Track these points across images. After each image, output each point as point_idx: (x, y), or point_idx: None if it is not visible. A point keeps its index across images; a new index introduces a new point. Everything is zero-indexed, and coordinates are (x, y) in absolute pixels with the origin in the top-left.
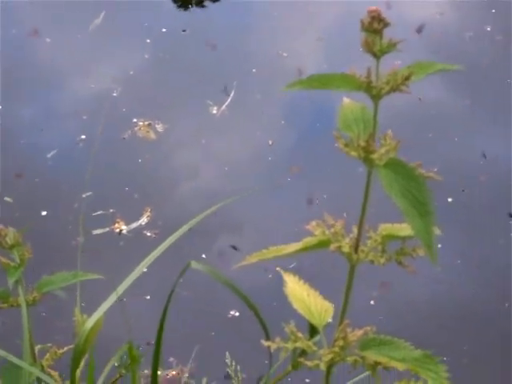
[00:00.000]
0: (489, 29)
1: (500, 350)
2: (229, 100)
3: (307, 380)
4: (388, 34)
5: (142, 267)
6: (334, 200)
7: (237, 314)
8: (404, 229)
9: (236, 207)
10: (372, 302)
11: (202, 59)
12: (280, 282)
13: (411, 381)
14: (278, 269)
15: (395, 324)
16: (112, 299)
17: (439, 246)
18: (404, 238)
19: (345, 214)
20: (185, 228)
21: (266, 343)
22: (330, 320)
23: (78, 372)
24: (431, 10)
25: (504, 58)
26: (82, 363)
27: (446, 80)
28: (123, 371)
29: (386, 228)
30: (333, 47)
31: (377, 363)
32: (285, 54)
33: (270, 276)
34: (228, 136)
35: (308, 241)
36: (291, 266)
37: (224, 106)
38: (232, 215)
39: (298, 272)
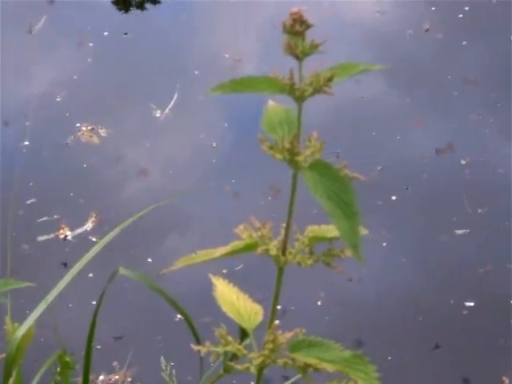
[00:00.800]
0: (428, 27)
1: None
2: (172, 103)
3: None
4: (329, 31)
5: (72, 274)
6: (280, 201)
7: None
8: (331, 230)
9: (182, 209)
10: (319, 303)
11: (144, 62)
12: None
13: (342, 381)
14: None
15: (342, 325)
16: (42, 307)
17: (384, 244)
18: (331, 240)
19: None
20: (116, 230)
21: (196, 348)
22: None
23: (11, 381)
24: (371, 9)
25: (444, 56)
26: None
27: (388, 78)
28: (58, 378)
29: (313, 230)
30: (274, 48)
31: (307, 365)
32: (227, 55)
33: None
34: (172, 139)
35: (235, 244)
36: (238, 268)
37: (167, 109)
38: (179, 217)
39: (244, 273)
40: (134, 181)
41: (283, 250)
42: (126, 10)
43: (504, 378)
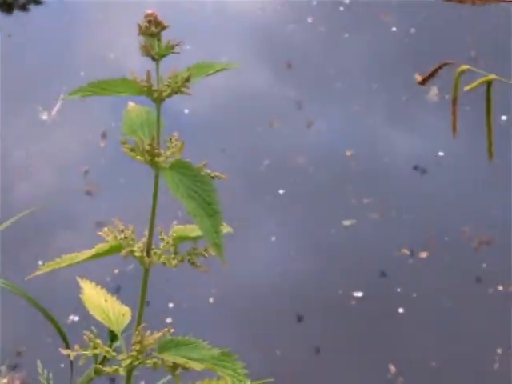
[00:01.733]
0: (311, 21)
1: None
2: (58, 105)
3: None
4: (213, 27)
5: None
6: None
7: (76, 318)
8: (195, 229)
9: (70, 209)
10: (211, 300)
11: (30, 64)
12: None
13: (213, 380)
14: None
15: (234, 320)
16: None
17: (273, 238)
18: (195, 239)
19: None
20: None
21: (64, 351)
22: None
23: None
24: (253, 6)
25: (327, 49)
26: None
27: (274, 73)
28: None
29: (177, 230)
30: None
31: (176, 364)
32: (112, 56)
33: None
34: (60, 141)
35: (101, 247)
36: (130, 267)
37: (54, 111)
38: (68, 217)
39: (136, 272)
40: (19, 183)
41: (148, 250)
42: (9, 12)
43: (390, 366)
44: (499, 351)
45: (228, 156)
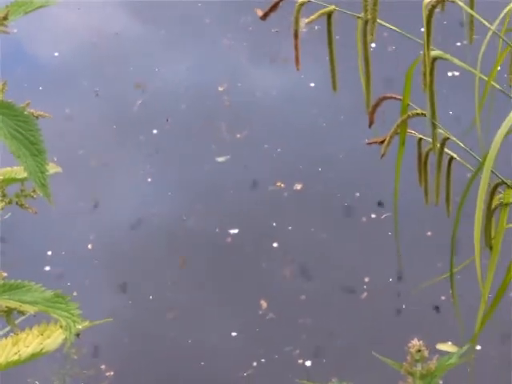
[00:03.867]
0: None
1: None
2: None
3: None
4: None
5: None
6: None
7: None
8: (23, 171)
9: None
10: (89, 246)
11: None
12: None
13: (51, 323)
14: None
15: (112, 267)
16: None
17: (149, 179)
18: (23, 180)
19: None
20: None
21: None
22: None
23: None
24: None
25: None
26: None
27: (141, 15)
28: None
29: (5, 172)
30: None
31: (10, 308)
32: None
33: None
34: None
35: None
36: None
37: None
38: None
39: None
40: None
41: None
42: None
43: (262, 302)
44: (367, 280)
45: (101, 99)
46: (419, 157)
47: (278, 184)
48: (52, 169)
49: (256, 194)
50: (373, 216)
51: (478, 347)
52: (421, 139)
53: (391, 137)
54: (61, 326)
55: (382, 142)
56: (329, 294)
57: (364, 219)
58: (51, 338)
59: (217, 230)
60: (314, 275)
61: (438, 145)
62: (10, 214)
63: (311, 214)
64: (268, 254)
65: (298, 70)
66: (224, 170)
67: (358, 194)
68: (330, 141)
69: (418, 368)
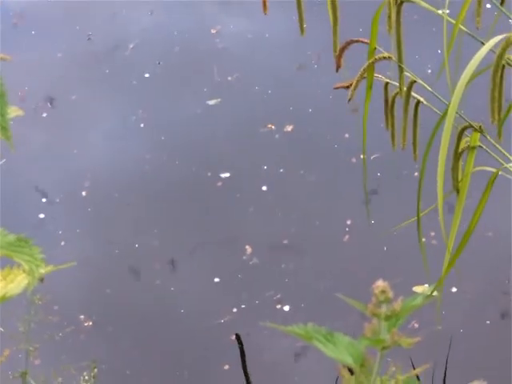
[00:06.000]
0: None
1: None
2: None
3: None
4: None
5: None
6: None
7: None
8: None
9: None
10: (84, 193)
11: None
12: None
13: (14, 267)
14: None
15: (111, 211)
16: None
17: (142, 125)
18: None
19: None
20: None
21: None
22: None
23: None
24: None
25: None
26: None
27: None
28: None
29: None
30: None
31: None
32: None
33: None
34: None
35: None
36: None
37: None
38: None
39: None
40: None
41: None
42: None
43: (247, 247)
44: (349, 222)
45: (93, 43)
46: (386, 101)
47: (269, 126)
48: (13, 112)
49: (247, 136)
50: (361, 157)
51: (454, 289)
52: (387, 83)
53: (358, 81)
54: (24, 271)
55: (349, 86)
56: (312, 238)
57: (354, 160)
58: (14, 283)
59: (209, 174)
60: (299, 220)
61: (405, 88)
62: None
63: (302, 155)
64: (257, 198)
65: (265, 14)
66: (215, 112)
67: (347, 136)
68: (322, 82)
69: (383, 309)
